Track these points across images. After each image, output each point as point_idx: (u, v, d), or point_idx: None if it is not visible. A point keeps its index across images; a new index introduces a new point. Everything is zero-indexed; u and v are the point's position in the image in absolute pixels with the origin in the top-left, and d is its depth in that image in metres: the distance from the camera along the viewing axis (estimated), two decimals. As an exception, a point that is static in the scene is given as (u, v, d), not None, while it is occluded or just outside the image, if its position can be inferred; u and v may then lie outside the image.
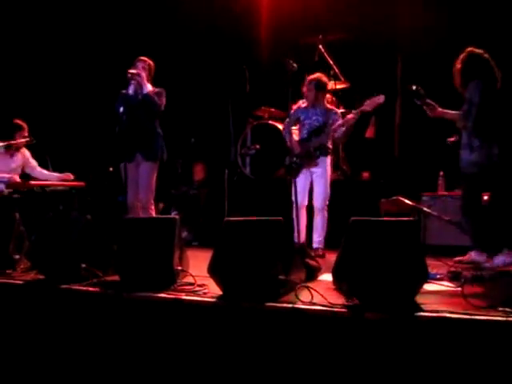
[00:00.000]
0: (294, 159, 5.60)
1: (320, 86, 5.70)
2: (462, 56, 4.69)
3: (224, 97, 7.80)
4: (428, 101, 4.74)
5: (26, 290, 4.03)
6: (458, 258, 4.63)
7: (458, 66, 4.68)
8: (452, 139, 4.83)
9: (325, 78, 5.87)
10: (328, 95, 7.16)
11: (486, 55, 4.62)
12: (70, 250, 4.12)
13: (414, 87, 4.68)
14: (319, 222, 5.57)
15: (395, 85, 7.73)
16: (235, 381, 3.20)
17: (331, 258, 3.63)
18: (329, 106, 5.91)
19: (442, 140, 5.18)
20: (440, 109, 4.79)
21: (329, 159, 5.75)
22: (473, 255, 4.61)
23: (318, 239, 5.57)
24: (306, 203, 5.65)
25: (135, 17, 8.44)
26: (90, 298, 3.76)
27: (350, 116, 5.62)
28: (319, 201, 5.56)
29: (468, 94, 4.55)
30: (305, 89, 5.71)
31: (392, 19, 7.24)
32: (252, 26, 8.24)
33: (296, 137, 5.80)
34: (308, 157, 5.58)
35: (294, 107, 5.85)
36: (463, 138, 4.64)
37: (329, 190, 5.65)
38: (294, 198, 5.49)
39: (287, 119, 5.91)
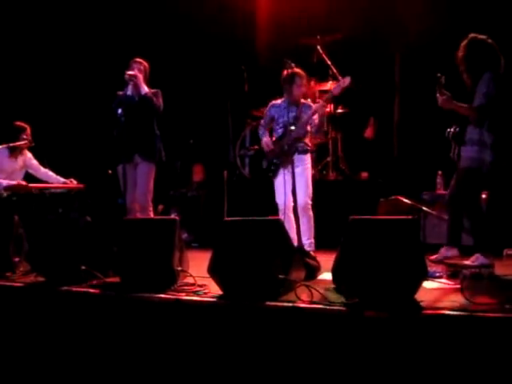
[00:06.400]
0: (274, 161, 5.46)
1: (302, 81, 5.44)
2: (464, 43, 4.60)
3: (223, 98, 7.82)
4: (444, 91, 4.64)
5: (26, 293, 4.04)
6: (466, 262, 4.57)
7: (461, 53, 4.58)
8: (452, 130, 4.68)
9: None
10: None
11: (490, 41, 4.54)
12: (69, 251, 4.14)
13: (439, 75, 4.63)
14: (305, 223, 5.28)
15: (393, 83, 7.75)
16: (236, 380, 3.21)
17: (330, 257, 3.63)
18: (302, 100, 5.62)
19: (441, 139, 5.16)
20: (454, 101, 4.59)
21: (308, 157, 5.53)
22: (444, 251, 4.62)
23: (307, 242, 5.28)
24: (292, 204, 5.19)
25: (132, 18, 8.44)
26: (90, 299, 3.76)
27: (317, 104, 5.43)
28: (301, 200, 5.19)
29: (483, 87, 4.40)
30: (290, 84, 5.31)
31: (389, 18, 7.23)
32: (250, 27, 8.25)
33: (268, 137, 5.61)
34: (284, 155, 5.35)
35: (268, 107, 5.67)
36: (472, 133, 4.49)
37: (311, 189, 5.42)
38: (276, 201, 5.41)
39: (262, 120, 5.77)
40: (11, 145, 6.27)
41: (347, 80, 5.24)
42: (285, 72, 5.36)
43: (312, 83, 7.61)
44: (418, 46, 7.07)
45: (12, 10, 8.21)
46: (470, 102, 4.53)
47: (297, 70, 5.34)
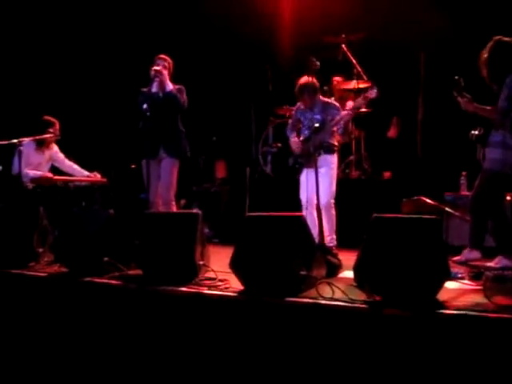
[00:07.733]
0: (298, 159, 5.51)
1: (313, 90, 5.48)
2: (489, 45, 4.54)
3: (246, 95, 7.83)
4: (465, 93, 4.60)
5: (49, 283, 4.11)
6: (489, 264, 4.52)
7: (485, 55, 4.54)
8: (476, 132, 4.65)
9: (313, 80, 5.51)
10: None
11: None
12: (92, 243, 4.18)
13: (456, 77, 4.58)
14: (327, 221, 5.31)
15: (418, 83, 7.68)
16: (256, 374, 3.22)
17: (352, 255, 3.62)
18: (325, 100, 5.69)
19: (465, 139, 5.12)
20: (475, 104, 4.58)
21: (334, 157, 5.55)
22: (466, 253, 4.59)
23: (328, 237, 5.31)
24: (316, 201, 5.23)
25: (158, 16, 8.49)
26: (112, 290, 3.80)
27: (344, 113, 5.46)
28: (323, 199, 5.24)
29: (506, 90, 4.35)
30: (300, 96, 5.51)
31: (415, 16, 7.18)
32: (275, 25, 8.24)
33: (296, 137, 5.65)
34: (308, 155, 5.34)
35: (294, 108, 5.77)
36: (496, 136, 4.46)
37: (334, 189, 5.45)
38: (300, 197, 5.46)
39: (290, 120, 5.85)
40: (38, 137, 6.34)
41: (374, 92, 5.25)
42: (300, 85, 5.45)
43: (336, 81, 7.61)
44: (442, 44, 7.01)
45: (38, 6, 8.31)
46: (494, 103, 4.49)
47: (304, 80, 5.43)
